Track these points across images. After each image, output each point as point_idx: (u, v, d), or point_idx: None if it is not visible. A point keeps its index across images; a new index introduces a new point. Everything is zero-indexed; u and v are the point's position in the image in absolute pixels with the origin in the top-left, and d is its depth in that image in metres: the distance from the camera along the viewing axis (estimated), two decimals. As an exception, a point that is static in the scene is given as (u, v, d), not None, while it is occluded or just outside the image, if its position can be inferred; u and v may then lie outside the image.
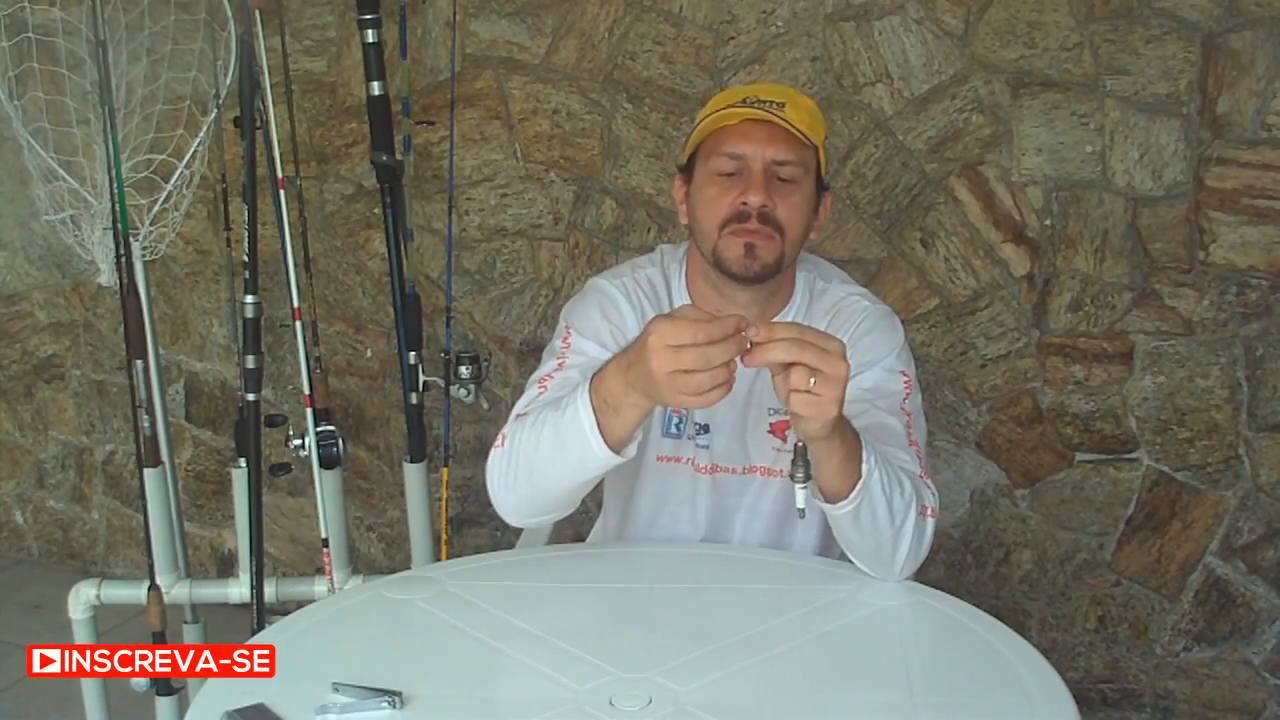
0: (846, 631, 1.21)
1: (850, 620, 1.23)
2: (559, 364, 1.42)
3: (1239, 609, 2.27)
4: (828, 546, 1.57)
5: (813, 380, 1.08)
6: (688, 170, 1.48)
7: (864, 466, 1.20)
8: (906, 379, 1.45)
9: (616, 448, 1.21)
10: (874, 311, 1.48)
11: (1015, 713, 1.04)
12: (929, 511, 1.31)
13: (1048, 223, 2.24)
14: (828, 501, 1.23)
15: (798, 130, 1.37)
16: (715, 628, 1.21)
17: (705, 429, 1.50)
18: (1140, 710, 2.38)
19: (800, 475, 1.17)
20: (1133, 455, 2.28)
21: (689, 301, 1.51)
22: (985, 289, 2.30)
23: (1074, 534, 2.34)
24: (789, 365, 1.09)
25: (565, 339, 1.46)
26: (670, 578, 1.42)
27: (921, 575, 1.35)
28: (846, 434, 1.18)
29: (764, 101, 1.38)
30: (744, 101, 1.39)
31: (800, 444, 1.18)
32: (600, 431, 1.19)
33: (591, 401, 1.19)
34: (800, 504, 1.19)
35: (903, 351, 1.47)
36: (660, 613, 1.31)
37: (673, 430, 1.50)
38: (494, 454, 1.32)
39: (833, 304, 1.50)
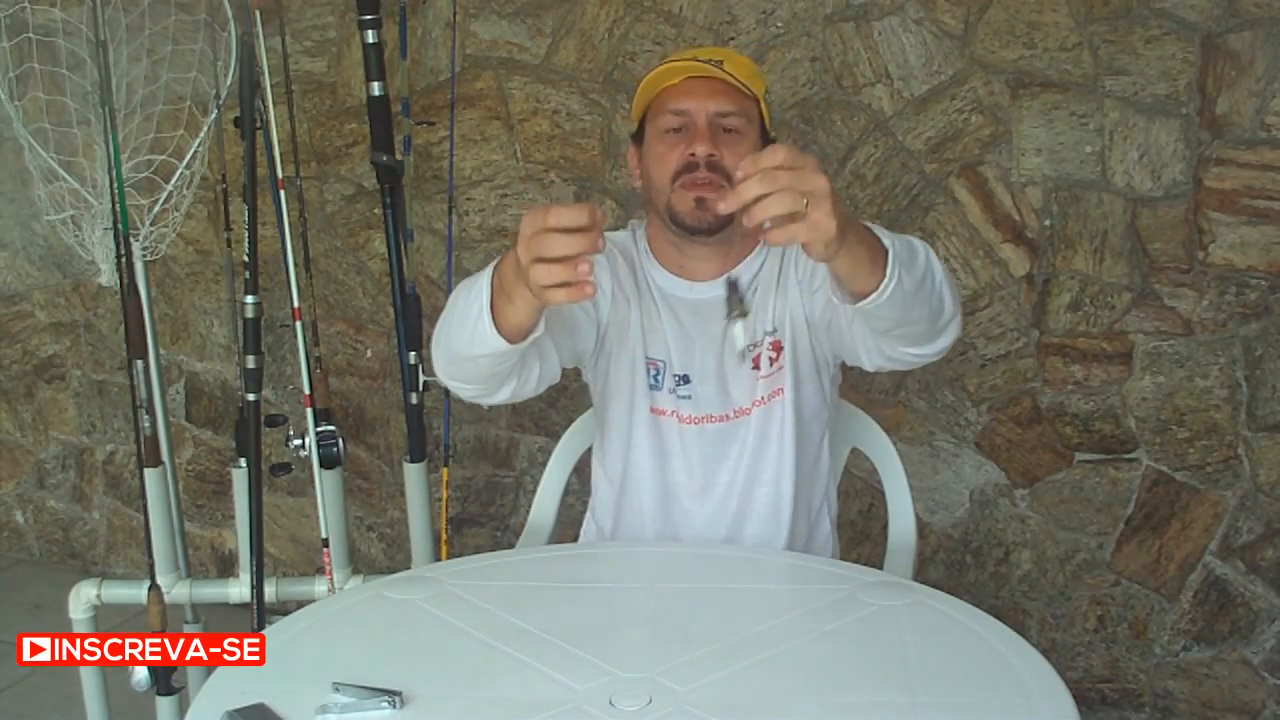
0: (846, 631, 1.21)
1: (850, 620, 1.23)
2: None
3: (1238, 609, 2.28)
4: (807, 523, 1.58)
5: (805, 203, 1.05)
6: (638, 137, 1.54)
7: (885, 242, 1.17)
8: None
9: (510, 335, 1.21)
10: None
11: (1015, 713, 1.04)
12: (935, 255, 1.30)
13: (1047, 223, 2.24)
14: (867, 296, 1.18)
15: (738, 81, 1.44)
16: (715, 628, 1.22)
17: (685, 379, 1.53)
18: (1139, 710, 2.38)
19: (736, 310, 1.17)
20: (1132, 455, 2.28)
21: (654, 261, 1.57)
22: (985, 289, 2.30)
23: (1073, 534, 2.34)
24: (766, 197, 1.05)
25: None
26: (670, 578, 1.43)
27: (921, 575, 1.36)
28: (861, 234, 1.15)
29: (703, 60, 1.46)
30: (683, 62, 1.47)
31: (731, 278, 1.20)
32: (493, 312, 1.20)
33: (492, 281, 1.21)
34: (740, 344, 1.20)
35: None
36: (660, 613, 1.31)
37: (653, 383, 1.54)
38: None
39: None
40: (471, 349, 1.26)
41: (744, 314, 1.17)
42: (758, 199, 1.04)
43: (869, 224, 1.19)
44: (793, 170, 1.05)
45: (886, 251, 1.16)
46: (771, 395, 1.52)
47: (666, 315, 1.54)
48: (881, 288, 1.17)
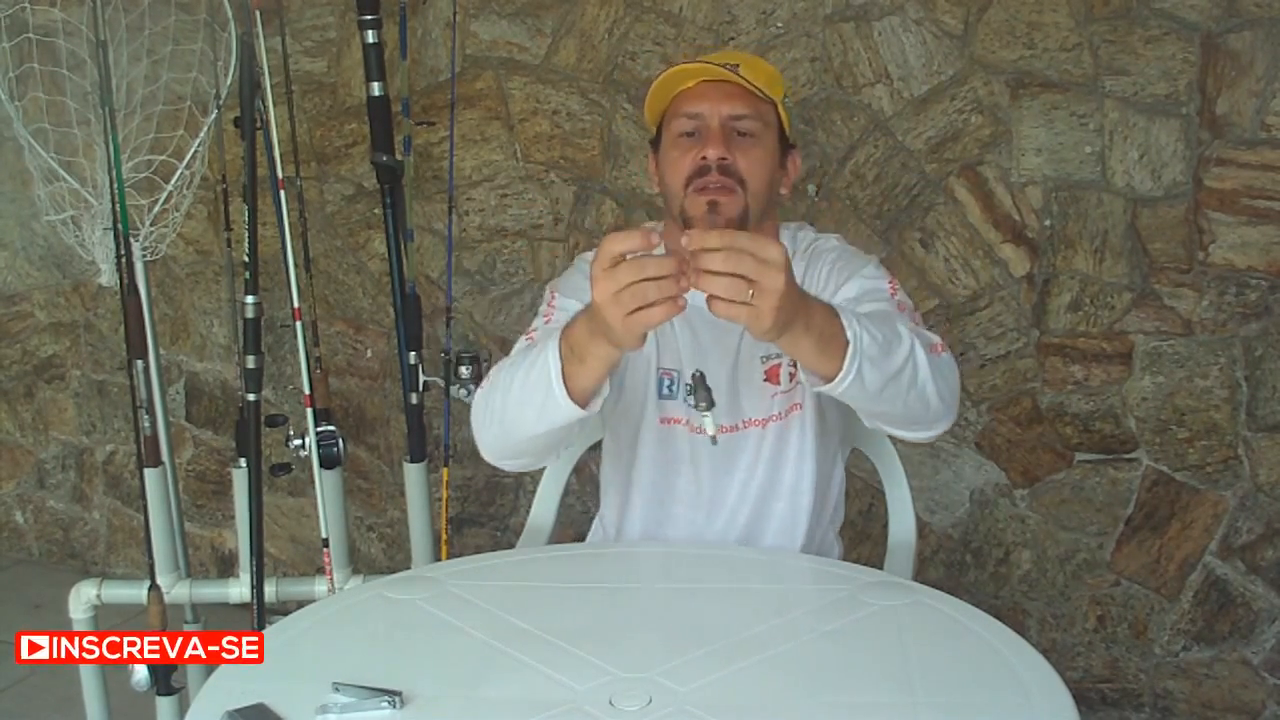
0: (846, 631, 1.21)
1: (850, 620, 1.23)
2: (545, 320, 1.45)
3: (1238, 609, 2.28)
4: (820, 532, 1.58)
5: (750, 293, 1.06)
6: (656, 143, 1.52)
7: (847, 333, 1.16)
8: (890, 281, 1.45)
9: (581, 400, 1.22)
10: (845, 246, 1.53)
11: (1015, 713, 1.04)
12: (938, 348, 1.28)
13: (1047, 223, 2.24)
14: (826, 383, 1.19)
15: (753, 85, 1.42)
16: (715, 628, 1.21)
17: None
18: (1139, 710, 2.38)
19: (703, 404, 1.18)
20: (1132, 455, 2.28)
21: None
22: (985, 289, 2.30)
23: (1073, 534, 2.34)
24: (722, 275, 1.06)
25: (550, 303, 1.48)
26: (670, 578, 1.43)
27: (921, 575, 1.35)
28: (813, 316, 1.14)
29: (718, 64, 1.44)
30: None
31: (698, 372, 1.20)
32: (565, 381, 1.20)
33: (560, 349, 1.21)
34: (710, 431, 1.18)
35: (880, 266, 1.49)
36: (660, 613, 1.31)
37: (665, 391, 1.52)
38: (478, 393, 1.36)
39: (809, 245, 1.53)
40: (540, 425, 1.26)
41: (710, 406, 1.18)
42: (712, 272, 1.05)
43: (852, 312, 1.18)
44: (756, 261, 1.05)
45: (847, 344, 1.16)
46: (789, 410, 1.50)
47: (681, 325, 1.51)
48: (839, 379, 1.17)
